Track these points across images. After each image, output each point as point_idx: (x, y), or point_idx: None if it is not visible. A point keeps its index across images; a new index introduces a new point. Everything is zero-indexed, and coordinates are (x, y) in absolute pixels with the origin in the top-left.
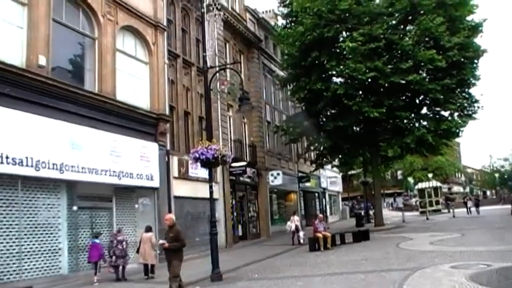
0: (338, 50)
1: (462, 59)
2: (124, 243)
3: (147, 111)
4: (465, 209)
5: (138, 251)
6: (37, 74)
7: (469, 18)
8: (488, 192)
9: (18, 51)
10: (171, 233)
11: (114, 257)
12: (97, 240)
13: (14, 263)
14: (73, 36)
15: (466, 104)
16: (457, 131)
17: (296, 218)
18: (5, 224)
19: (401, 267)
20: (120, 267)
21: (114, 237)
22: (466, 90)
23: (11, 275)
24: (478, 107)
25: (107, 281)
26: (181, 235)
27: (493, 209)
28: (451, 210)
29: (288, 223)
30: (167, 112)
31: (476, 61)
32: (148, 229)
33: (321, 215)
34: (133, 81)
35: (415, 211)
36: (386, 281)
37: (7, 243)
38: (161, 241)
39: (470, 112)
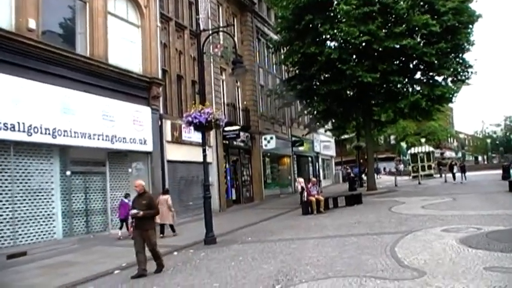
0: (332, 14)
1: (457, 24)
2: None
3: (139, 75)
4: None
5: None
6: (27, 38)
7: None
8: (480, 158)
9: (7, 14)
10: (143, 200)
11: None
12: (126, 200)
13: (8, 229)
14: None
15: (459, 69)
16: (451, 96)
17: (301, 179)
18: None
19: (393, 231)
20: None
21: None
22: (460, 55)
23: (5, 240)
24: (472, 73)
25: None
26: (154, 202)
27: (484, 174)
28: (443, 175)
29: (296, 184)
30: (160, 76)
31: (470, 26)
32: (166, 191)
33: (314, 179)
34: (126, 44)
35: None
36: (378, 244)
37: (0, 209)
38: (134, 211)
39: (463, 77)
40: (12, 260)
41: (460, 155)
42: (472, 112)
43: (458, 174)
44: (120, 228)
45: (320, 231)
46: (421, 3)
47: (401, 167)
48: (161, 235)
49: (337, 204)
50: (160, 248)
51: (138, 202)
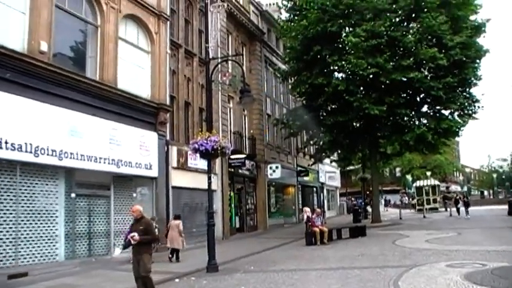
0: (340, 45)
1: (464, 58)
2: (156, 229)
3: (147, 101)
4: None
5: (166, 236)
6: (38, 60)
7: (472, 17)
8: (486, 192)
9: (19, 36)
10: (140, 226)
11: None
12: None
13: (10, 249)
14: (75, 23)
15: (466, 104)
16: (457, 130)
17: (307, 209)
18: (2, 210)
19: (397, 264)
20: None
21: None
22: (467, 89)
23: (7, 260)
24: (479, 107)
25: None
26: (152, 227)
27: (489, 209)
28: (449, 209)
29: (302, 213)
30: (168, 102)
31: (478, 61)
32: (177, 217)
33: (318, 209)
34: (135, 70)
35: (412, 209)
36: (381, 278)
37: (4, 228)
38: (131, 234)
39: (470, 112)
40: (13, 280)
41: (465, 189)
42: (478, 146)
43: (462, 209)
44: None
45: (323, 262)
46: (429, 37)
47: (405, 199)
48: (170, 256)
49: (341, 236)
50: (161, 275)
51: (136, 227)
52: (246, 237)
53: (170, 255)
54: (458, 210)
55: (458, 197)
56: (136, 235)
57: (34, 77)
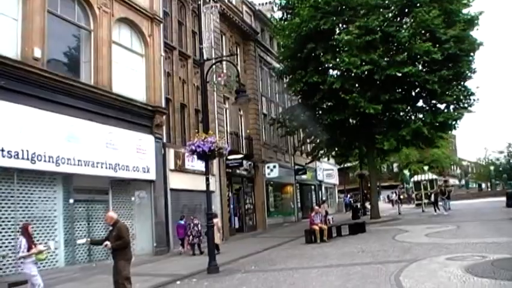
0: (334, 43)
1: (458, 52)
2: (199, 225)
3: (143, 104)
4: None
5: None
6: (32, 66)
7: (465, 11)
8: (483, 185)
9: (13, 43)
10: (114, 232)
11: (191, 237)
12: (181, 222)
13: (10, 257)
14: (68, 29)
15: (462, 97)
16: (453, 123)
17: (325, 205)
18: (0, 218)
19: (398, 259)
20: (196, 245)
21: (191, 221)
22: (462, 83)
23: (7, 268)
24: (474, 100)
25: (187, 255)
26: (124, 232)
27: (487, 201)
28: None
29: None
30: (163, 104)
31: (472, 54)
32: (215, 216)
33: (317, 207)
34: (130, 73)
35: (411, 203)
36: (383, 273)
37: (3, 236)
38: (105, 242)
39: (466, 105)
40: None
41: (463, 182)
42: (475, 139)
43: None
44: (181, 245)
45: (324, 260)
46: (423, 31)
47: (393, 195)
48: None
49: (341, 233)
50: (163, 277)
51: (111, 234)
52: (246, 237)
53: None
54: (435, 204)
55: (440, 190)
56: (108, 243)
57: (29, 83)
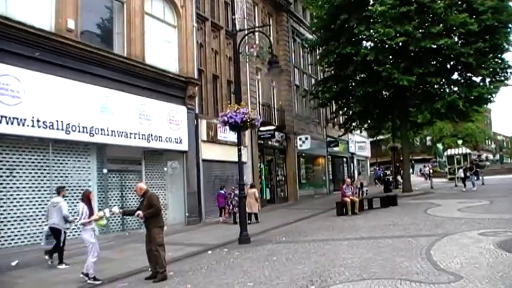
0: (368, 14)
1: (495, 23)
2: None
3: (175, 75)
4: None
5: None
6: (66, 38)
7: None
8: None
9: (47, 15)
10: (144, 201)
11: (231, 206)
12: (222, 191)
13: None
14: (101, 0)
15: (498, 70)
16: (489, 97)
17: (361, 177)
18: (36, 187)
19: (429, 233)
20: (236, 214)
21: (232, 190)
22: (499, 55)
23: (43, 236)
24: (511, 73)
25: (228, 224)
26: (154, 200)
27: None
28: (481, 178)
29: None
30: (196, 76)
31: (510, 25)
32: (252, 186)
33: (348, 180)
34: (162, 44)
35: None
36: (413, 246)
37: (39, 205)
38: (138, 212)
39: (502, 78)
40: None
41: (497, 157)
42: (511, 113)
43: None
44: (220, 214)
45: (354, 232)
46: (459, 2)
47: (426, 169)
48: (249, 221)
49: (372, 206)
50: (195, 247)
51: (141, 204)
52: (277, 208)
53: (249, 220)
54: (464, 180)
55: (469, 165)
56: (140, 212)
57: (63, 55)
